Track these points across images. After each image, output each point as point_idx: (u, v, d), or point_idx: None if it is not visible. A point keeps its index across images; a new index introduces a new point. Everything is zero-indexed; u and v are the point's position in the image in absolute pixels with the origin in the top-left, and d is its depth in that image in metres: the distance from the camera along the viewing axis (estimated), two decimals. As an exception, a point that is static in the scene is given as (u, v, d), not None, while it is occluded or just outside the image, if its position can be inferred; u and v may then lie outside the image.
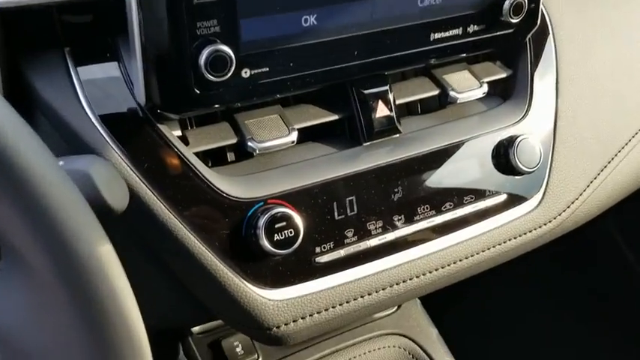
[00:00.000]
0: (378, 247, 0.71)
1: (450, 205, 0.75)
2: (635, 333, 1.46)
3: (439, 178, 0.75)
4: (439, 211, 0.75)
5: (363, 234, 0.70)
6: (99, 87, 0.64)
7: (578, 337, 1.52)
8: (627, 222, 1.42)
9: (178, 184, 0.63)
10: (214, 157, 0.70)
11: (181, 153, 0.64)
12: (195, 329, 1.01)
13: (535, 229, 0.81)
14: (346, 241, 0.69)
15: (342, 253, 0.69)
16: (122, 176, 0.60)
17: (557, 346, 1.52)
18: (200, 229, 0.63)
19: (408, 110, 0.81)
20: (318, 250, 0.68)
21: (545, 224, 0.82)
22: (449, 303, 1.26)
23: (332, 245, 0.69)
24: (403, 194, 0.72)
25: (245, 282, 0.65)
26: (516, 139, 0.77)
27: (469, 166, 0.77)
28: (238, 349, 0.97)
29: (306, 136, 0.72)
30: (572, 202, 0.84)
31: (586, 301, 1.53)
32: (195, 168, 0.64)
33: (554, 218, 0.83)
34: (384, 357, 1.04)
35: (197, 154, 0.66)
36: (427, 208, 0.74)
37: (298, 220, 0.65)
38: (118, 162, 0.61)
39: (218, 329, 1.01)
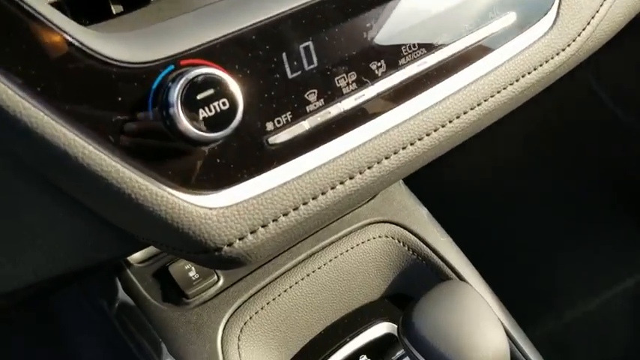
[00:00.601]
0: (355, 111, 0.50)
1: (445, 39, 0.53)
2: (613, 177, 1.35)
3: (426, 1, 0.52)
4: (431, 49, 0.53)
5: (332, 94, 0.49)
6: None
7: (563, 194, 1.40)
8: (605, 69, 1.26)
9: (30, 53, 0.39)
10: (92, 14, 0.46)
11: (26, 4, 0.39)
12: (135, 257, 0.80)
13: (552, 58, 0.61)
14: (309, 107, 0.48)
15: (305, 125, 0.48)
16: None
17: (543, 203, 1.40)
18: (80, 118, 0.40)
19: None
20: (270, 126, 0.46)
21: (563, 50, 0.62)
22: (431, 178, 1.09)
23: (289, 117, 0.47)
24: (379, 30, 0.50)
25: (169, 189, 0.43)
26: None
27: (461, -19, 0.55)
28: (192, 274, 0.77)
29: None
30: (592, 17, 0.64)
31: (570, 157, 1.40)
32: (56, 26, 0.40)
33: (574, 40, 0.62)
34: (370, 251, 0.86)
35: (57, 5, 0.42)
36: (415, 46, 0.52)
37: (232, 84, 0.43)
38: None
39: (163, 253, 0.80)
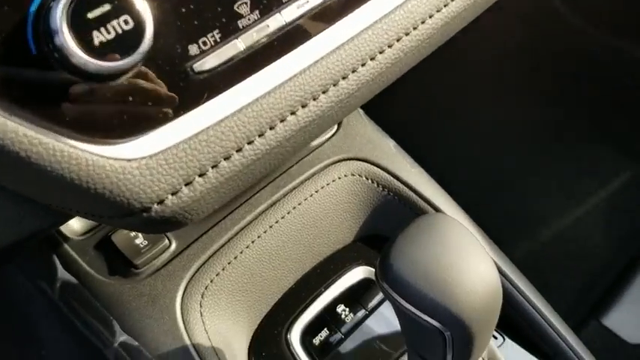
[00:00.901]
0: (300, 23, 0.41)
1: None
2: (580, 98, 1.30)
3: None
4: (383, -61, 0.43)
5: (268, 3, 0.39)
6: None
7: (531, 117, 1.35)
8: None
9: None
10: None
11: None
12: (73, 229, 0.71)
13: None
14: (241, 22, 0.38)
15: (238, 45, 0.38)
16: None
17: (511, 126, 1.35)
18: None
19: None
20: (193, 49, 0.37)
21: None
22: (396, 106, 1.01)
23: (217, 35, 0.37)
24: None
25: (71, 140, 0.34)
26: None
27: None
28: (139, 241, 0.68)
29: None
30: None
31: (537, 79, 1.34)
32: None
33: None
34: (336, 193, 0.78)
35: None
36: (362, -64, 0.43)
37: (135, -5, 0.33)
38: None
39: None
